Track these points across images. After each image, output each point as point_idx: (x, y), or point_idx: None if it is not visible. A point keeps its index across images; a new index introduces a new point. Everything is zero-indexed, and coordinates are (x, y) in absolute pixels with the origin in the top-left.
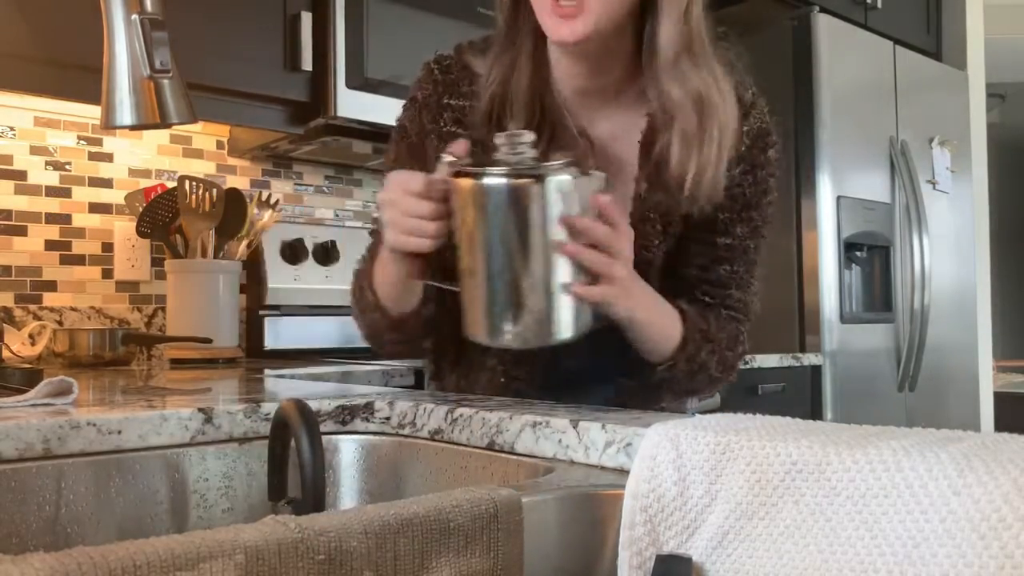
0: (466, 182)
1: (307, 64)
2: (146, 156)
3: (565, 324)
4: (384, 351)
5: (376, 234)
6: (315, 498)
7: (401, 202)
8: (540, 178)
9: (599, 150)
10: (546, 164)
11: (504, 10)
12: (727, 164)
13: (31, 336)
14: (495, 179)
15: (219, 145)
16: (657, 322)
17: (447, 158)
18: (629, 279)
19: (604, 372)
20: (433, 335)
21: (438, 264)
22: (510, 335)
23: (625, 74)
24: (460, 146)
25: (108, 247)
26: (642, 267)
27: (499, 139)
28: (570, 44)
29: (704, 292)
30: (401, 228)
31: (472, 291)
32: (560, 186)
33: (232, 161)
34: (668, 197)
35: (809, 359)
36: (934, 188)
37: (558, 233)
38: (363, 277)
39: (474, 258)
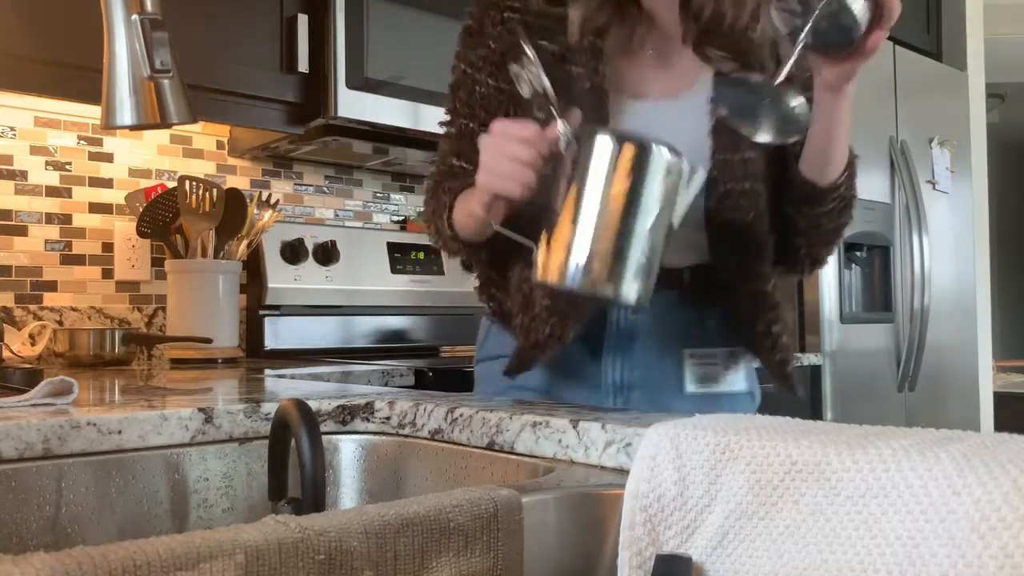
0: (601, 141)
1: (303, 66)
2: (146, 156)
3: (642, 286)
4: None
5: (459, 171)
6: (315, 498)
7: (505, 146)
8: (672, 151)
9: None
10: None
11: None
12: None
13: (31, 336)
14: (635, 141)
15: (219, 145)
16: (847, 130)
17: (560, 127)
18: None
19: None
20: (505, 265)
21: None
22: (587, 281)
23: None
24: (575, 117)
25: (108, 247)
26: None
27: None
28: None
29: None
30: (498, 171)
31: (563, 238)
32: (678, 164)
33: (232, 161)
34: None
35: (809, 359)
36: (934, 188)
37: (665, 202)
38: (441, 210)
39: (576, 208)
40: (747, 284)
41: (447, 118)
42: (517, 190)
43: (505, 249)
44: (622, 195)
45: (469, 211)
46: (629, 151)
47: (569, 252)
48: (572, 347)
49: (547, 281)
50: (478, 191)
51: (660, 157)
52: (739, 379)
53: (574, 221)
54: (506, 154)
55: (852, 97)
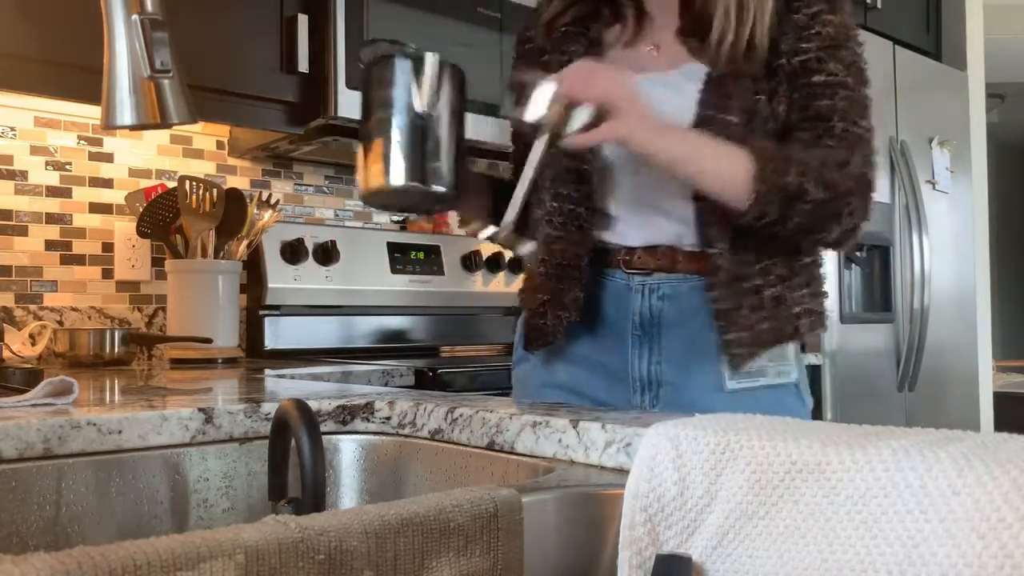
0: (380, 63)
1: (303, 66)
2: (146, 156)
3: (448, 175)
4: None
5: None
6: (315, 498)
7: None
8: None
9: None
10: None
11: None
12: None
13: (31, 336)
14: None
15: (219, 145)
16: (705, 156)
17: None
18: (638, 116)
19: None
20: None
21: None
22: (401, 180)
23: None
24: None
25: (108, 247)
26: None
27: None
28: None
29: (803, 128)
30: None
31: (374, 150)
32: (439, 63)
33: (232, 161)
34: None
35: (809, 359)
36: (934, 188)
37: (422, 100)
38: None
39: (378, 122)
40: (720, 241)
41: None
42: None
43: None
44: (394, 99)
45: None
46: (399, 63)
47: (380, 161)
48: (599, 339)
49: (370, 188)
50: None
51: (426, 61)
52: (785, 369)
53: (379, 134)
54: None
55: (666, 154)
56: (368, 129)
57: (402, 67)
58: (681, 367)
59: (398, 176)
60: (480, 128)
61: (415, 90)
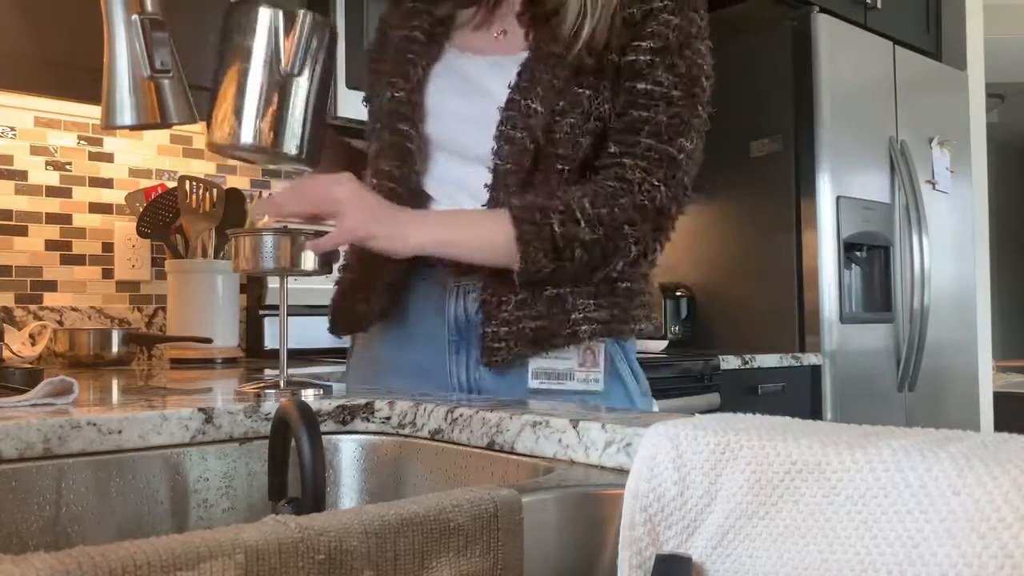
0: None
1: None
2: (146, 156)
3: (299, 139)
4: None
5: None
6: (315, 498)
7: None
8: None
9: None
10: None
11: None
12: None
13: (31, 336)
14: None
15: None
16: (462, 233)
17: None
18: (366, 212)
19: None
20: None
21: None
22: (249, 137)
23: None
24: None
25: (108, 247)
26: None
27: None
28: None
29: (615, 141)
30: None
31: (219, 104)
32: (312, 22)
33: (232, 161)
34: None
35: (809, 359)
36: (934, 188)
37: (265, 53)
38: None
39: (224, 77)
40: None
41: None
42: None
43: None
44: (256, 52)
45: None
46: (270, 14)
47: (232, 115)
48: (420, 344)
49: (217, 142)
50: None
51: (300, 18)
52: (594, 377)
53: (235, 86)
54: None
55: (419, 241)
56: (223, 78)
57: (272, 19)
58: (497, 371)
59: (248, 134)
60: None
61: (282, 47)
